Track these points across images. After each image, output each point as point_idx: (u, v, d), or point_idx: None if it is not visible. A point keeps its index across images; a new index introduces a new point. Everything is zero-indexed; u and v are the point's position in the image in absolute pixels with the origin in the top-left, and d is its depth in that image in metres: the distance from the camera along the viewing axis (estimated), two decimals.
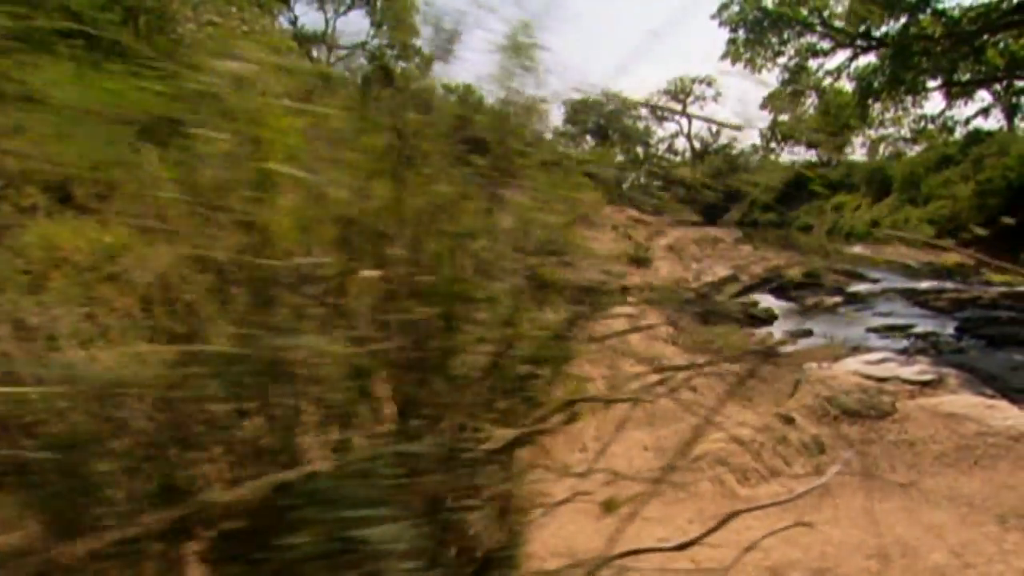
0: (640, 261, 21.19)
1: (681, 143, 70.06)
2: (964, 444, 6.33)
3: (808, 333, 13.86)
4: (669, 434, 5.48)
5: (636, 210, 51.75)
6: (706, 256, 29.04)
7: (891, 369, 9.63)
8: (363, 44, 16.98)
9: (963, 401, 7.48)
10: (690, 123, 77.60)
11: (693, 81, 65.38)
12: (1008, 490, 5.12)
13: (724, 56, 24.41)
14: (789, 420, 6.04)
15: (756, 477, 4.84)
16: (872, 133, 45.83)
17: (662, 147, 71.45)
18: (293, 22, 15.62)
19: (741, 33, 23.12)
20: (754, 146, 66.75)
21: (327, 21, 17.47)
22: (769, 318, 16.47)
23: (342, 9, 16.11)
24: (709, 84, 65.02)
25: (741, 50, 23.46)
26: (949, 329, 13.40)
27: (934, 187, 29.87)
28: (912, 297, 17.33)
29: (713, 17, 23.91)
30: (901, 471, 5.66)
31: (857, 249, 31.63)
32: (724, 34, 23.69)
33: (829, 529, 4.10)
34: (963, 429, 6.71)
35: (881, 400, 7.36)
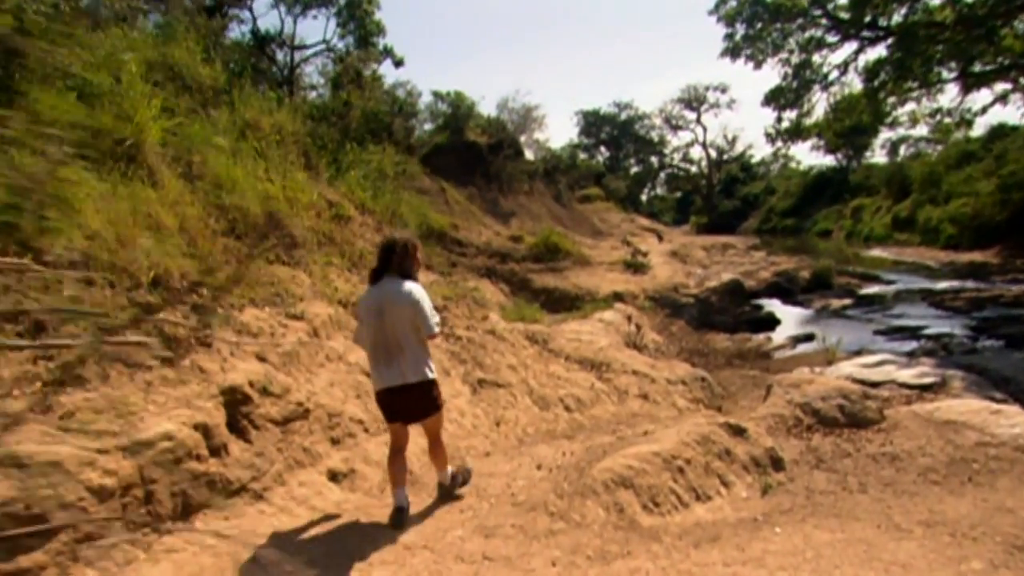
0: (637, 267, 20.16)
1: (697, 151, 68.86)
2: (958, 457, 5.25)
3: (809, 337, 12.71)
4: (579, 449, 4.52)
5: (647, 218, 51.07)
6: (714, 262, 27.89)
7: (888, 372, 8.51)
8: (328, 45, 16.39)
9: (965, 406, 6.36)
10: (705, 131, 76.60)
11: (707, 88, 64.42)
12: (1004, 514, 4.06)
13: (723, 53, 23.40)
14: (738, 431, 5.02)
15: (672, 502, 3.85)
16: (892, 135, 44.34)
17: (677, 156, 70.43)
18: (253, 23, 15.09)
19: (739, 28, 22.13)
20: (774, 153, 65.43)
21: (282, 21, 16.88)
22: (771, 322, 15.36)
23: (299, 9, 15.50)
24: (723, 91, 64.01)
25: (740, 45, 22.44)
26: (964, 329, 12.15)
27: (955, 185, 28.36)
28: (928, 298, 16.04)
29: (711, 13, 22.99)
30: (873, 491, 4.60)
31: (876, 252, 30.20)
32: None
33: (748, 573, 3.10)
34: (960, 439, 5.62)
35: (866, 407, 6.29)
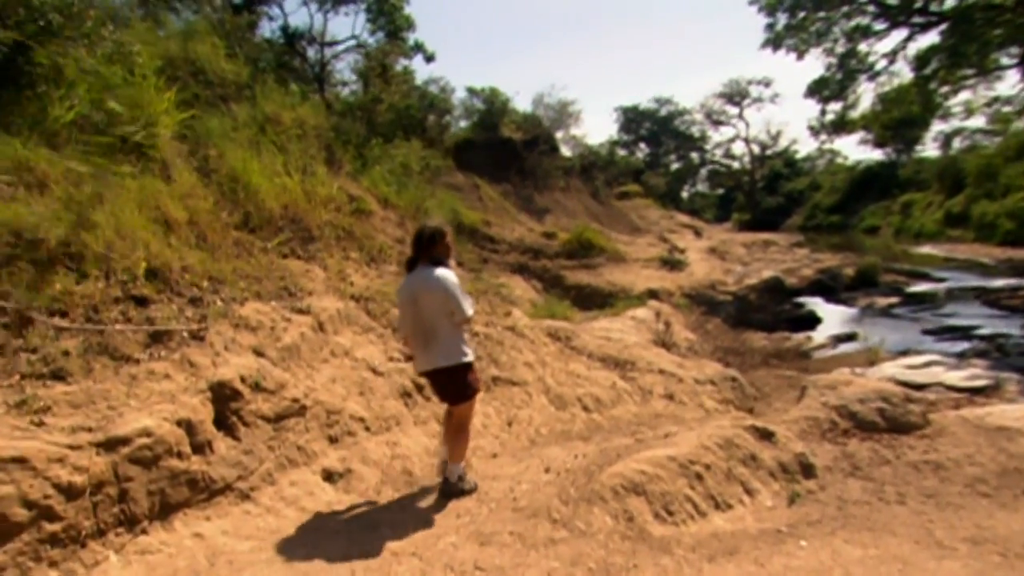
0: (673, 264, 19.69)
1: (739, 147, 67.31)
2: (1012, 467, 4.81)
3: (851, 337, 12.13)
4: (593, 452, 4.26)
5: (687, 215, 50.25)
6: (755, 259, 27.08)
7: (935, 374, 7.99)
8: (358, 41, 16.31)
9: (1020, 411, 5.88)
10: (748, 126, 74.86)
11: (750, 82, 62.79)
12: None
13: (764, 44, 22.64)
14: (766, 434, 4.69)
15: (687, 511, 3.57)
16: (945, 127, 42.49)
17: (719, 152, 68.98)
18: (284, 20, 15.11)
19: (781, 17, 21.36)
20: (819, 148, 63.49)
21: (312, 17, 16.81)
22: (812, 321, 14.75)
23: (329, 5, 15.46)
24: (767, 84, 62.32)
25: (782, 35, 21.66)
26: (1022, 330, 11.39)
27: (1014, 178, 26.91)
28: (983, 296, 15.17)
29: (751, 2, 22.27)
30: (913, 503, 4.23)
31: (927, 249, 28.92)
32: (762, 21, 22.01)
33: None
34: (1014, 447, 5.16)
35: (908, 410, 5.86)
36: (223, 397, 3.42)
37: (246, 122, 7.43)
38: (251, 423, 3.48)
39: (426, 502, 3.59)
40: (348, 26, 31.87)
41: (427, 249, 3.65)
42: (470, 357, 3.68)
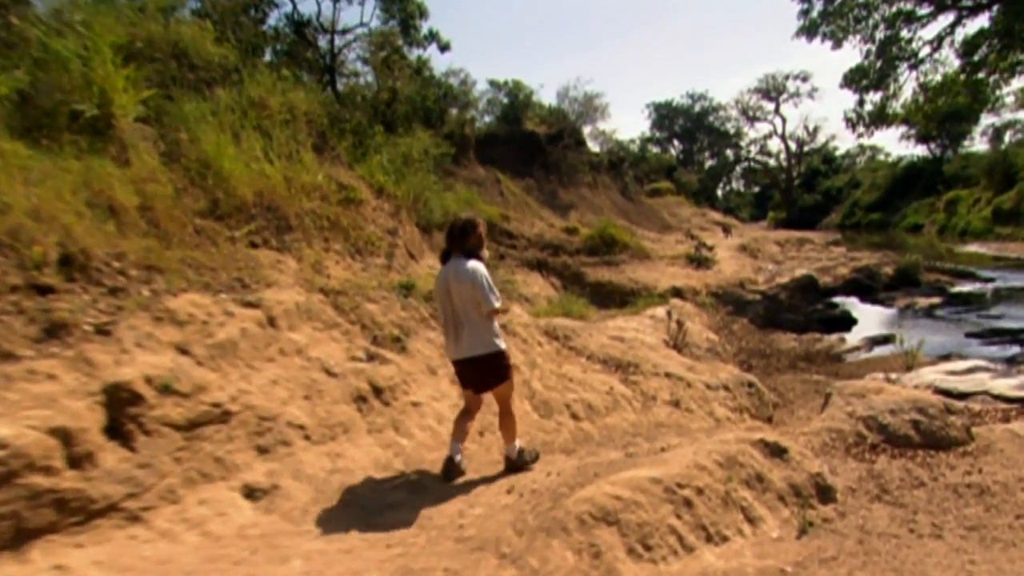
0: (700, 261, 18.87)
1: (775, 144, 65.31)
2: None
3: (888, 339, 11.23)
4: (571, 468, 3.68)
5: (721, 213, 49.16)
6: (788, 257, 25.98)
7: (980, 381, 7.16)
8: (368, 28, 15.88)
9: None
10: (784, 122, 72.65)
11: (787, 77, 60.83)
12: None
13: (799, 32, 21.56)
14: (777, 450, 4.04)
15: (669, 545, 2.96)
16: (995, 120, 40.49)
17: (754, 149, 67.16)
18: (293, 8, 14.74)
19: (817, 3, 20.30)
20: (859, 144, 61.32)
21: (319, 5, 16.46)
22: (846, 322, 13.84)
23: None
24: (804, 79, 60.30)
25: (818, 22, 20.60)
26: None
27: None
28: None
29: None
30: (952, 536, 3.54)
31: (974, 247, 27.41)
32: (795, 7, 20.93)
33: None
34: None
35: (948, 423, 5.15)
36: (120, 401, 2.93)
37: (229, 106, 7.01)
38: (153, 431, 2.99)
39: (357, 525, 3.06)
40: (359, 15, 31.11)
41: (460, 240, 3.82)
42: (503, 345, 3.89)
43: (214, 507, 2.99)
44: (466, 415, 3.99)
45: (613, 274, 17.22)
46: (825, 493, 3.95)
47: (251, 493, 3.18)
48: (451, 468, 3.71)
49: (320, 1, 15.33)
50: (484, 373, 3.82)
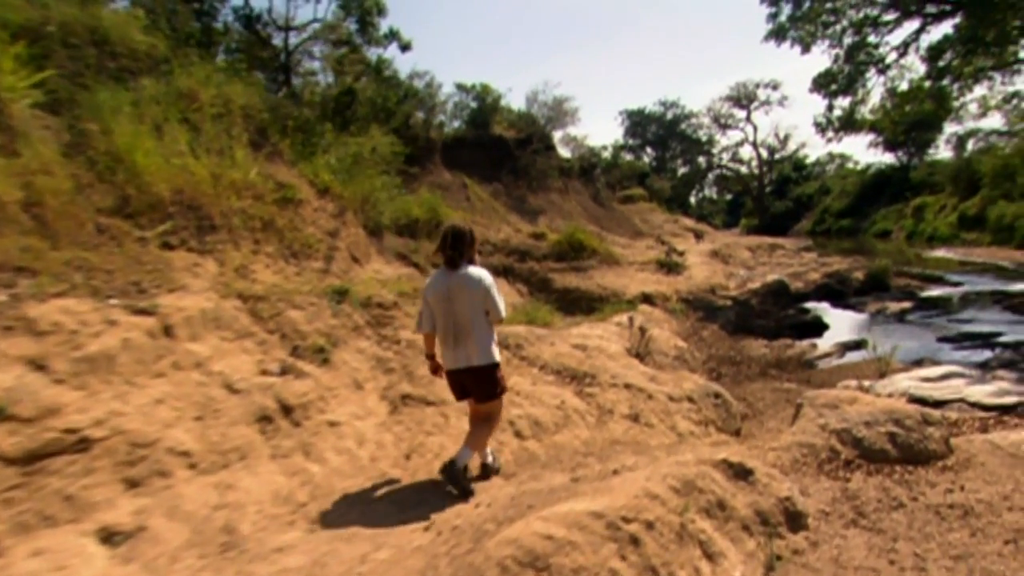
0: (671, 267, 18.54)
1: (747, 151, 65.83)
2: None
3: (859, 344, 10.95)
4: (504, 497, 3.18)
5: (694, 220, 49.23)
6: (760, 263, 25.84)
7: (955, 388, 6.82)
8: (322, 24, 15.20)
9: None
10: (756, 130, 73.40)
11: (757, 85, 61.37)
12: None
13: (768, 36, 21.49)
14: (742, 472, 3.59)
15: None
16: (959, 129, 41.16)
17: (726, 156, 67.61)
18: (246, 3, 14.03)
19: (785, 7, 20.25)
20: (828, 152, 62.10)
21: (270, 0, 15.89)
22: (818, 327, 13.58)
23: None
24: (775, 87, 60.89)
25: (786, 27, 20.54)
26: None
27: None
28: (1003, 300, 13.95)
29: None
30: (937, 568, 3.11)
31: (941, 252, 27.58)
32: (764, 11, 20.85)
33: None
34: None
35: (926, 435, 4.76)
36: None
37: (154, 97, 6.43)
38: None
39: None
40: (314, 12, 30.25)
41: (469, 248, 3.78)
42: (499, 357, 3.86)
43: (54, 558, 2.43)
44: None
45: (581, 280, 16.80)
46: (795, 520, 3.50)
47: (109, 537, 2.62)
48: (452, 469, 3.54)
49: None
50: (483, 384, 3.75)
